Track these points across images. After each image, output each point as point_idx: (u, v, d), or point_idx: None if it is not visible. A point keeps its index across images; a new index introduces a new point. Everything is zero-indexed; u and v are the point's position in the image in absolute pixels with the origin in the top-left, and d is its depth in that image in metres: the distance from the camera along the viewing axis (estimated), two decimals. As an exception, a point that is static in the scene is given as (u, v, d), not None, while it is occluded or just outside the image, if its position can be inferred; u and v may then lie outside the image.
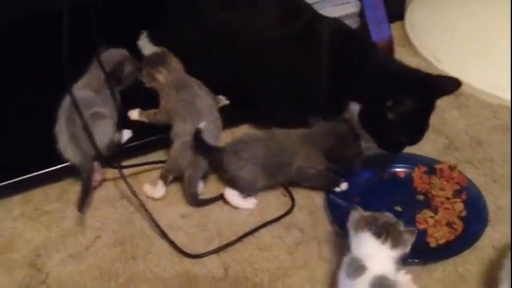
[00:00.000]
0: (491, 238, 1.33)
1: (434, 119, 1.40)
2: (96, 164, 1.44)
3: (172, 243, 1.32)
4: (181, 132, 1.45)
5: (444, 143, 1.60)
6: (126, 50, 1.63)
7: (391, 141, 1.40)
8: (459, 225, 1.34)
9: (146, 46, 1.75)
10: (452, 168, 1.46)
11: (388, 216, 1.18)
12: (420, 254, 1.26)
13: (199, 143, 1.41)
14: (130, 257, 1.31)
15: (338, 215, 1.38)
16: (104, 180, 1.48)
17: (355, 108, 1.41)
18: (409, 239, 1.15)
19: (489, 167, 1.53)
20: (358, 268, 1.11)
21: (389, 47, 1.77)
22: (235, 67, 1.54)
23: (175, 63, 1.57)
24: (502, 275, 1.13)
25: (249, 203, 1.43)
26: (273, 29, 1.50)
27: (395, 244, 1.13)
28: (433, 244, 1.31)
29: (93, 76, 1.56)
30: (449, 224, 1.34)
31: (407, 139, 1.40)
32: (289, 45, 1.48)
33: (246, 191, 1.42)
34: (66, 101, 1.45)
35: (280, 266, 1.29)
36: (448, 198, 1.40)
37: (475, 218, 1.36)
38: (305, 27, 1.48)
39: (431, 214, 1.37)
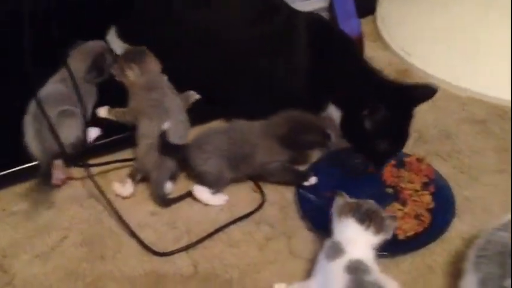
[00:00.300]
0: (459, 229, 1.34)
1: (402, 112, 1.41)
2: (59, 162, 1.42)
3: (141, 242, 1.31)
4: (146, 133, 1.43)
5: (414, 136, 1.60)
6: (104, 42, 1.63)
7: (371, 151, 1.39)
8: (427, 217, 1.35)
9: (115, 42, 1.73)
10: (420, 160, 1.47)
11: (371, 203, 1.21)
12: (389, 247, 1.26)
13: (164, 145, 1.39)
14: (98, 256, 1.30)
15: (308, 210, 1.39)
16: (68, 179, 1.46)
17: (336, 114, 1.43)
18: (391, 225, 1.19)
19: (457, 159, 1.54)
20: (337, 251, 1.14)
21: (359, 42, 1.77)
22: (209, 65, 1.53)
23: (153, 64, 1.55)
24: (466, 266, 1.14)
25: (218, 199, 1.42)
26: (249, 26, 1.50)
27: (378, 230, 1.16)
28: (401, 236, 1.31)
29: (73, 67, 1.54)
30: (417, 216, 1.35)
31: (388, 149, 1.39)
32: (266, 42, 1.48)
33: (214, 185, 1.41)
34: (38, 96, 1.43)
35: (250, 262, 1.29)
36: (416, 191, 1.41)
37: (442, 209, 1.37)
38: (282, 24, 1.48)
39: (400, 207, 1.37)
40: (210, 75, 1.55)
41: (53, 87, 1.44)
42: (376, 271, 1.13)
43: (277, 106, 1.48)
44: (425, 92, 1.38)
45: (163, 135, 1.39)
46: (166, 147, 1.39)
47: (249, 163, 1.42)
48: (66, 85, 1.50)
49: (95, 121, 1.54)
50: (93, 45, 1.61)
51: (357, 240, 1.16)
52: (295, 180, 1.45)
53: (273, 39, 1.48)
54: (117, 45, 1.70)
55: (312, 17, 1.52)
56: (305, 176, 1.43)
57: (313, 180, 1.43)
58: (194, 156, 1.41)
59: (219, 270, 1.27)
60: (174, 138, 1.42)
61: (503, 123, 1.65)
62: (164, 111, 1.45)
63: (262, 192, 1.45)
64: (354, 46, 1.51)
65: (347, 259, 1.12)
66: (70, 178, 1.46)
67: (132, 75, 1.52)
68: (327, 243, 1.18)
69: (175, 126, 1.43)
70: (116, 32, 1.74)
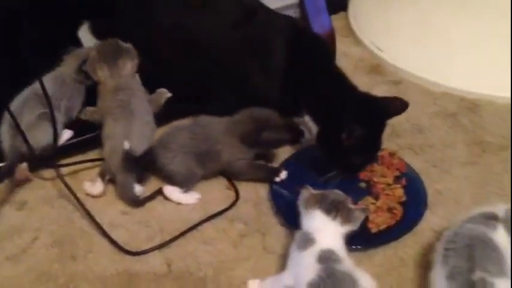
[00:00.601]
0: (431, 222, 1.35)
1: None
2: (24, 165, 1.39)
3: (113, 241, 1.30)
4: (111, 134, 1.42)
5: (387, 131, 1.60)
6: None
7: (347, 165, 1.40)
8: (399, 211, 1.36)
9: (87, 38, 1.71)
10: (392, 154, 1.48)
11: (337, 193, 1.23)
12: (362, 240, 1.28)
13: (128, 162, 1.38)
14: (70, 257, 1.28)
15: (282, 206, 1.39)
16: (27, 180, 1.44)
17: (313, 124, 1.44)
18: (360, 217, 1.21)
19: (429, 153, 1.56)
20: (307, 241, 1.15)
21: (331, 38, 1.78)
22: (186, 66, 1.53)
23: (126, 67, 1.51)
24: (435, 258, 1.14)
25: (190, 198, 1.41)
26: (227, 28, 1.50)
27: (345, 220, 1.18)
28: (374, 230, 1.32)
29: (65, 69, 1.54)
30: (389, 210, 1.36)
31: (362, 161, 1.41)
32: (243, 45, 1.48)
33: (183, 184, 1.40)
34: (24, 93, 1.46)
35: (224, 259, 1.29)
36: (388, 185, 1.42)
37: (414, 202, 1.38)
38: (259, 27, 1.48)
39: (373, 200, 1.38)
40: (186, 76, 1.55)
41: (38, 88, 1.41)
42: (347, 261, 1.14)
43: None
44: (398, 106, 1.39)
45: (127, 155, 1.37)
46: (130, 164, 1.38)
47: (215, 160, 1.41)
48: (58, 82, 1.51)
49: (69, 122, 1.53)
50: (86, 50, 1.58)
51: (325, 230, 1.17)
52: (265, 176, 1.45)
53: (249, 42, 1.48)
54: (89, 41, 1.68)
55: (289, 22, 1.52)
56: (276, 172, 1.43)
57: (283, 175, 1.43)
58: (160, 156, 1.39)
59: (193, 268, 1.26)
60: (140, 141, 1.41)
61: (473, 116, 1.67)
62: (129, 112, 1.43)
63: (235, 190, 1.45)
64: (329, 55, 1.51)
65: (318, 249, 1.13)
66: (28, 180, 1.44)
67: (102, 76, 1.50)
68: (297, 234, 1.19)
69: (141, 127, 1.43)
70: (89, 29, 1.72)
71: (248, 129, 1.39)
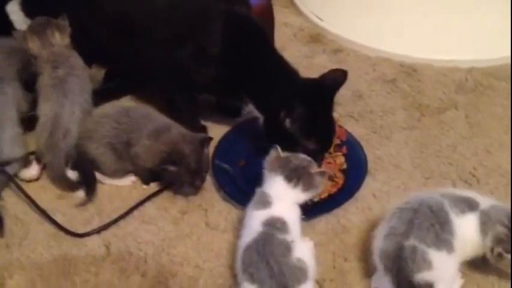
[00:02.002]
0: (372, 187, 1.36)
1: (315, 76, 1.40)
2: None
3: (55, 223, 1.27)
4: (42, 113, 1.37)
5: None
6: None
7: (301, 150, 1.31)
8: (340, 178, 1.36)
9: (16, 13, 1.62)
10: (332, 123, 1.48)
11: (302, 158, 1.20)
12: (305, 210, 1.26)
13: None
14: (3, 245, 1.24)
15: (224, 181, 1.37)
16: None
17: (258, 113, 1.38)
18: (320, 181, 1.20)
19: (369, 119, 1.56)
20: (264, 203, 1.14)
21: (267, 9, 1.74)
22: (121, 44, 1.47)
23: (58, 37, 1.46)
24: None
25: (125, 181, 1.38)
26: (162, 10, 1.43)
27: (306, 187, 1.17)
28: (316, 198, 1.31)
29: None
30: (331, 178, 1.36)
31: (318, 146, 1.33)
32: (177, 28, 1.42)
33: (110, 174, 1.37)
34: None
35: (165, 237, 1.26)
36: (329, 153, 1.41)
37: (355, 169, 1.38)
38: (195, 11, 1.43)
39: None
40: (121, 54, 1.49)
41: None
42: (293, 233, 1.12)
43: (193, 92, 1.47)
44: (337, 78, 1.35)
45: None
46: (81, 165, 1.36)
47: (130, 158, 1.35)
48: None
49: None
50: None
51: (284, 198, 1.16)
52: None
53: (183, 26, 1.42)
54: (18, 17, 1.60)
55: (225, 5, 1.46)
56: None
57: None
58: (86, 147, 1.35)
59: (133, 249, 1.24)
60: (71, 120, 1.36)
61: (411, 80, 1.68)
62: (62, 92, 1.38)
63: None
64: (267, 38, 1.46)
65: (269, 214, 1.12)
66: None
67: (34, 48, 1.45)
68: (258, 192, 1.18)
69: (72, 108, 1.37)
70: (19, 5, 1.64)
71: (158, 161, 1.31)
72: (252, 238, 1.08)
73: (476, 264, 1.16)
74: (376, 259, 1.10)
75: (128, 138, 1.33)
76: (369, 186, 1.36)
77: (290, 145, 1.29)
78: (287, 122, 1.29)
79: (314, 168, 1.20)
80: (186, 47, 1.40)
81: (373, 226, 1.25)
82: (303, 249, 1.10)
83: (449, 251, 1.06)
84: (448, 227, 1.07)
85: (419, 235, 1.05)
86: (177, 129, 1.35)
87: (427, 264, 1.03)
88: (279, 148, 1.21)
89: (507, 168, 1.39)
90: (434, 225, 1.06)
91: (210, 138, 1.37)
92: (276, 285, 1.03)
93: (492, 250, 1.09)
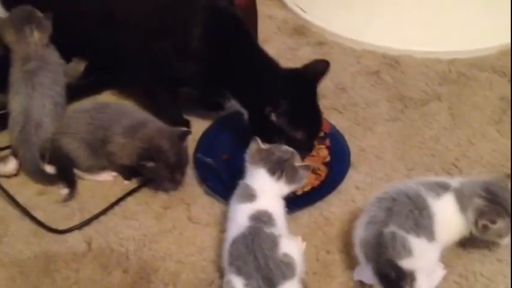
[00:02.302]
0: (355, 179, 1.36)
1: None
2: None
3: (35, 219, 1.25)
4: (12, 107, 1.36)
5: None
6: None
7: (292, 144, 1.29)
8: (324, 171, 1.36)
9: None
10: (316, 116, 1.47)
11: (284, 150, 1.19)
12: (288, 203, 1.25)
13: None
14: (-17, 243, 1.23)
15: (206, 174, 1.36)
16: None
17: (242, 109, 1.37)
18: (304, 174, 1.19)
19: (352, 111, 1.56)
20: (248, 196, 1.13)
21: (250, 2, 1.72)
22: (102, 38, 1.45)
23: (37, 37, 1.43)
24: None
25: (105, 176, 1.37)
26: (143, 5, 1.42)
27: (290, 181, 1.16)
28: (299, 192, 1.31)
29: None
30: (314, 171, 1.35)
31: (305, 134, 1.32)
32: (158, 22, 1.40)
33: (86, 170, 1.35)
34: None
35: (147, 233, 1.25)
36: (313, 145, 1.41)
37: (338, 162, 1.38)
38: (175, 5, 1.41)
39: (297, 162, 1.37)
40: (102, 48, 1.47)
41: None
42: (279, 226, 1.11)
43: (175, 86, 1.45)
44: (320, 68, 1.34)
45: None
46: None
47: (105, 155, 1.33)
48: None
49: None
50: None
51: (268, 191, 1.15)
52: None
53: (164, 19, 1.40)
54: None
55: (210, 2, 1.45)
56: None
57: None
58: (61, 141, 1.33)
59: (114, 245, 1.22)
60: (42, 114, 1.35)
61: (394, 72, 1.68)
62: (31, 85, 1.36)
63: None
64: (250, 34, 1.45)
65: (255, 207, 1.11)
66: None
67: (10, 41, 1.42)
68: (240, 185, 1.17)
69: (42, 101, 1.36)
70: None
71: (139, 152, 1.28)
72: (239, 232, 1.07)
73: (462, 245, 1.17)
74: (357, 249, 1.10)
75: (103, 135, 1.31)
76: (352, 178, 1.36)
77: (278, 138, 1.28)
78: (273, 117, 1.28)
79: (298, 160, 1.19)
80: (167, 41, 1.38)
81: (356, 218, 1.25)
82: (290, 245, 1.08)
83: (429, 238, 1.06)
84: (427, 212, 1.08)
85: (398, 221, 1.06)
86: (154, 124, 1.33)
87: (407, 251, 1.04)
88: (258, 140, 1.20)
89: (489, 159, 1.39)
90: (413, 211, 1.07)
91: (189, 132, 1.36)
92: (262, 279, 1.02)
93: (476, 223, 1.10)
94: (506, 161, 1.37)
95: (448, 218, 1.11)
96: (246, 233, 1.07)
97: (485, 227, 1.09)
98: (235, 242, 1.07)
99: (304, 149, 1.30)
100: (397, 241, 1.03)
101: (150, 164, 1.27)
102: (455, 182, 1.15)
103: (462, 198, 1.11)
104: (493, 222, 1.09)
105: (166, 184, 1.32)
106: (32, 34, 1.43)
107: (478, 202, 1.10)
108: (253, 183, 1.16)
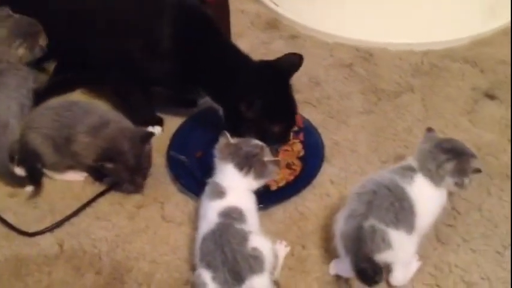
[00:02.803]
0: (329, 173, 1.36)
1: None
2: None
3: (6, 223, 1.24)
4: None
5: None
6: None
7: (269, 136, 1.29)
8: (298, 166, 1.36)
9: None
10: (289, 110, 1.46)
11: (253, 144, 1.17)
12: (262, 199, 1.25)
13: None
14: (-49, 249, 1.20)
15: (180, 172, 1.35)
16: None
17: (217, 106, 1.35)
18: (274, 170, 1.17)
19: (326, 104, 1.55)
20: (217, 193, 1.12)
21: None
22: (76, 39, 1.42)
23: (20, 52, 1.41)
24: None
25: (75, 176, 1.35)
26: (115, 2, 1.40)
27: (258, 176, 1.14)
28: (273, 187, 1.30)
29: None
30: (288, 166, 1.35)
31: (282, 126, 1.32)
32: (127, 21, 1.38)
33: (52, 167, 1.33)
34: None
35: (120, 233, 1.24)
36: (286, 140, 1.40)
37: (312, 156, 1.38)
38: (147, 4, 1.39)
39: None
40: (73, 48, 1.45)
41: None
42: (250, 222, 1.10)
43: (146, 85, 1.43)
44: (293, 61, 1.34)
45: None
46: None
47: (70, 155, 1.31)
48: None
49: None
50: None
51: (236, 187, 1.14)
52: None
53: (133, 19, 1.38)
54: None
55: (178, 1, 1.43)
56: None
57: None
58: (27, 136, 1.31)
59: (87, 246, 1.21)
60: (6, 115, 1.32)
61: (368, 65, 1.68)
62: None
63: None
64: (220, 31, 1.43)
65: (225, 204, 1.10)
66: None
67: None
68: (209, 183, 1.16)
69: (8, 102, 1.34)
70: None
71: (98, 152, 1.26)
72: (209, 229, 1.07)
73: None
74: (337, 242, 1.09)
75: (68, 133, 1.29)
76: (327, 172, 1.35)
77: (255, 132, 1.27)
78: (249, 113, 1.27)
79: (267, 154, 1.17)
80: (137, 41, 1.36)
81: (331, 212, 1.26)
82: (260, 240, 1.07)
83: (408, 231, 1.06)
84: (408, 203, 1.08)
85: (379, 215, 1.05)
86: (117, 125, 1.31)
87: (386, 245, 1.04)
88: (227, 134, 1.18)
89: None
90: (394, 203, 1.07)
91: (152, 134, 1.34)
92: (229, 272, 1.02)
93: (462, 183, 1.12)
94: (478, 150, 1.38)
95: (427, 198, 1.11)
96: (215, 229, 1.06)
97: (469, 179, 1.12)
98: (205, 239, 1.06)
99: (280, 140, 1.30)
100: (377, 234, 1.03)
101: (109, 165, 1.25)
102: (411, 161, 1.15)
103: (430, 173, 1.11)
104: (471, 172, 1.12)
105: (127, 186, 1.30)
106: (17, 48, 1.41)
107: (450, 165, 1.11)
108: (222, 179, 1.15)
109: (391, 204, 1.06)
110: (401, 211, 1.06)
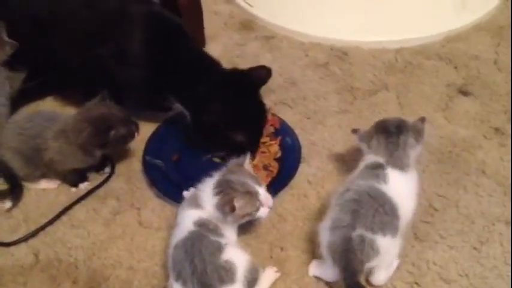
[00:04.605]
0: (306, 173, 1.35)
1: (248, 65, 1.39)
2: None
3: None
4: None
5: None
6: None
7: (233, 146, 1.31)
8: (275, 167, 1.35)
9: None
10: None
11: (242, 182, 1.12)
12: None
13: None
14: None
15: (156, 177, 1.33)
16: None
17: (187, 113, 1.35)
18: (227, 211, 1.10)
19: (302, 105, 1.55)
20: (196, 204, 1.10)
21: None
22: (48, 46, 1.41)
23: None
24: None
25: (48, 184, 1.33)
26: (82, 9, 1.39)
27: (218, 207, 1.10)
28: (251, 190, 1.30)
29: None
30: (265, 167, 1.34)
31: (245, 136, 1.32)
32: (96, 27, 1.38)
33: (25, 179, 1.32)
34: None
35: (96, 240, 1.22)
36: (263, 143, 1.40)
37: (289, 157, 1.37)
38: (114, 10, 1.38)
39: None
40: (45, 56, 1.43)
41: None
42: (226, 236, 1.09)
43: (121, 93, 1.39)
44: (260, 75, 1.36)
45: None
46: None
47: (44, 164, 1.30)
48: None
49: None
50: None
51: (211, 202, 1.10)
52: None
53: (101, 26, 1.38)
54: None
55: (143, 8, 1.42)
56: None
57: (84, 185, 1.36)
58: None
59: (62, 255, 1.19)
60: None
61: (342, 64, 1.67)
62: None
63: (112, 164, 1.38)
64: (188, 37, 1.43)
65: (201, 215, 1.09)
66: None
67: None
68: (191, 191, 1.16)
69: None
70: None
71: (87, 134, 1.25)
72: (182, 237, 1.06)
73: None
74: (324, 251, 1.08)
75: (35, 144, 1.27)
76: (304, 172, 1.35)
77: (219, 140, 1.30)
78: (207, 118, 1.28)
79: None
80: (107, 48, 1.36)
81: (309, 213, 1.26)
82: (235, 253, 1.06)
83: (393, 234, 1.06)
84: (389, 206, 1.07)
85: (365, 223, 1.04)
86: (76, 119, 1.29)
87: (375, 252, 1.04)
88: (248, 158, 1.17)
89: (437, 146, 1.40)
90: (378, 209, 1.06)
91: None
92: (197, 283, 1.01)
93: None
94: (453, 147, 1.39)
95: (403, 188, 1.11)
96: (187, 237, 1.05)
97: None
98: (176, 247, 1.05)
99: (248, 149, 1.26)
100: (366, 244, 1.03)
101: (112, 132, 1.26)
102: (374, 159, 1.15)
103: (400, 161, 1.13)
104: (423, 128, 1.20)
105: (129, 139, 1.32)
106: None
107: (410, 139, 1.15)
108: (200, 194, 1.12)
109: (376, 210, 1.06)
110: (385, 216, 1.06)
